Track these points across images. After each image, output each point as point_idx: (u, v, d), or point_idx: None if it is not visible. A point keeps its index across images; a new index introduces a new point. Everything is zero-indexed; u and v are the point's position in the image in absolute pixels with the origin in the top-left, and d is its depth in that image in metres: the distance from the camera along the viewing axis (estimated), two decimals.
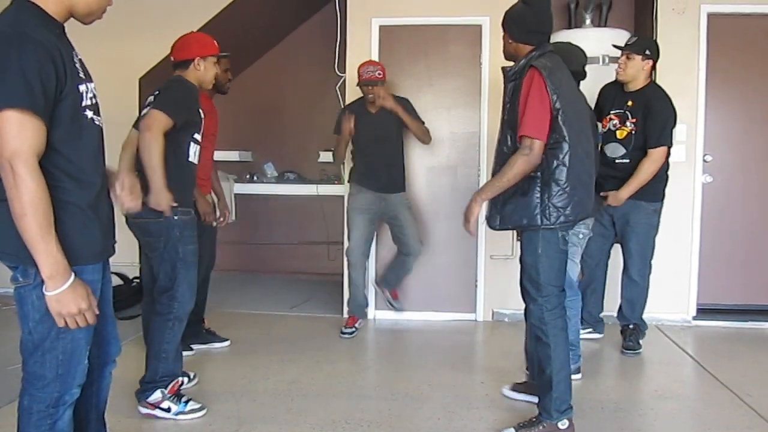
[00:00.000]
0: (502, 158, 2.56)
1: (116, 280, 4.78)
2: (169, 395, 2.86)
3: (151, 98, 2.86)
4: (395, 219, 4.23)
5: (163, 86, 2.87)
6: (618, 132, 3.74)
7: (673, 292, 4.52)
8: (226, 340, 3.99)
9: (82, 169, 1.67)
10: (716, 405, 3.09)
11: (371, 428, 2.79)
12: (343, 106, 4.35)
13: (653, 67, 3.78)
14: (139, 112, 2.98)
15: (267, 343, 4.09)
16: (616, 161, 3.74)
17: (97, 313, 1.67)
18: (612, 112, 3.78)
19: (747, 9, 4.47)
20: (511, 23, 2.62)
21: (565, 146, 2.44)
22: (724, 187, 4.62)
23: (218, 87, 3.76)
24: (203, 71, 2.94)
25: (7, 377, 2.98)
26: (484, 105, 4.57)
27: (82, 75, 1.68)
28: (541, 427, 2.60)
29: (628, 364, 3.74)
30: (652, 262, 3.90)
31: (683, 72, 4.47)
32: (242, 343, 4.03)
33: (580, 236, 3.28)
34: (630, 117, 3.71)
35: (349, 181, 4.37)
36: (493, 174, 2.61)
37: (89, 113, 1.70)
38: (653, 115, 3.66)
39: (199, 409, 2.88)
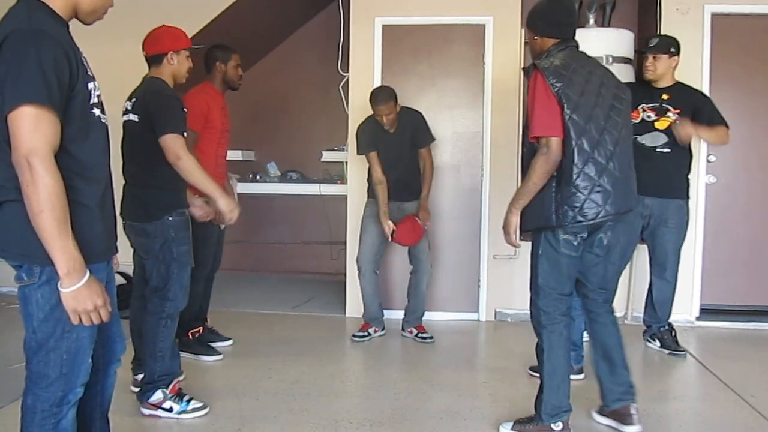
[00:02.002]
0: (523, 160, 2.58)
1: (120, 279, 4.77)
2: (170, 395, 2.86)
3: (129, 105, 2.84)
4: None
5: (152, 102, 2.79)
6: (657, 123, 3.74)
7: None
8: (229, 339, 3.99)
9: (90, 167, 1.67)
10: (719, 406, 3.09)
11: (374, 428, 2.79)
12: (358, 125, 4.17)
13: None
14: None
15: (269, 343, 4.09)
16: (656, 150, 3.73)
17: (111, 310, 1.67)
18: (644, 105, 3.78)
19: (751, 9, 4.46)
20: (536, 18, 2.62)
21: (572, 144, 2.40)
22: (727, 187, 4.61)
23: (230, 83, 3.77)
24: (177, 65, 2.91)
25: (11, 376, 2.98)
26: (487, 105, 4.56)
27: (89, 73, 1.69)
28: (535, 425, 2.62)
29: (630, 364, 3.72)
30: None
31: (686, 72, 4.42)
32: (244, 342, 4.03)
33: None
34: (672, 108, 3.74)
35: (369, 198, 4.20)
36: (523, 176, 2.59)
37: (96, 111, 1.70)
38: (707, 104, 3.83)
39: (202, 408, 2.88)
